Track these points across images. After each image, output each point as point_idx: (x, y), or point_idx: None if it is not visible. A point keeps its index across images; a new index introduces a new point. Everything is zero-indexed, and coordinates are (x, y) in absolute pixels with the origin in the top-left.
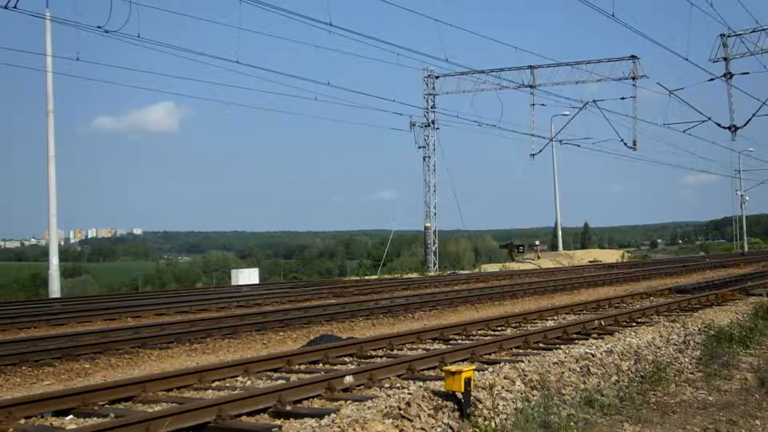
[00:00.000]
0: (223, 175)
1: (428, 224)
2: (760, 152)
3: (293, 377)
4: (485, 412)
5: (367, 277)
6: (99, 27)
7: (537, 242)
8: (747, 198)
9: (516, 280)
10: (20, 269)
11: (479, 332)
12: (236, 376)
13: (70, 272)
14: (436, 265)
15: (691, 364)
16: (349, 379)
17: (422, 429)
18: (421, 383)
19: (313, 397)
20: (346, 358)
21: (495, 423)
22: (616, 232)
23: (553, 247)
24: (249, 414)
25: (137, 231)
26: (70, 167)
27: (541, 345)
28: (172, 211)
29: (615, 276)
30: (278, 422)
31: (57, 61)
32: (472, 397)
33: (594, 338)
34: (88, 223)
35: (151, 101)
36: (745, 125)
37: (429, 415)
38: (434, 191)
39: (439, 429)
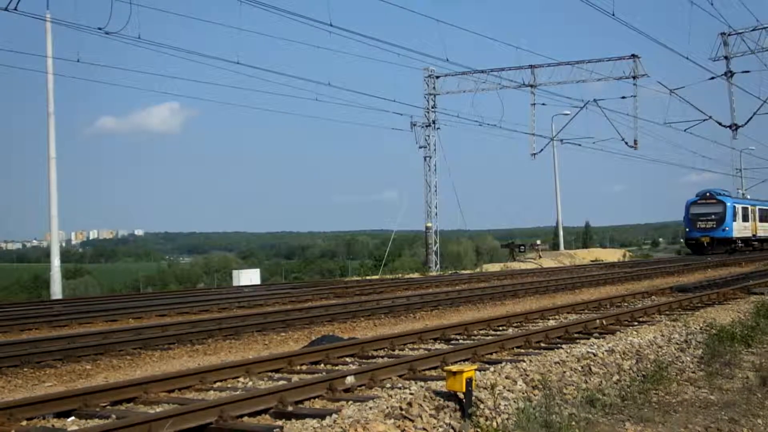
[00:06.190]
0: (224, 175)
1: (429, 224)
2: (761, 151)
3: (295, 378)
4: (487, 412)
5: (368, 278)
6: (99, 28)
7: (538, 242)
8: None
9: (517, 279)
10: (22, 271)
11: (481, 332)
12: (238, 377)
13: (71, 273)
14: (438, 265)
15: (692, 363)
16: (350, 379)
17: (424, 429)
18: (422, 383)
19: (314, 398)
20: (347, 359)
21: (497, 423)
22: (617, 231)
23: (555, 247)
24: (251, 415)
25: (139, 232)
26: (72, 168)
27: (542, 344)
28: (174, 212)
29: (616, 275)
30: (280, 423)
31: (58, 63)
32: (473, 397)
33: (596, 337)
34: (89, 225)
35: (152, 102)
36: (746, 124)
37: (430, 415)
38: (435, 191)
39: (440, 429)
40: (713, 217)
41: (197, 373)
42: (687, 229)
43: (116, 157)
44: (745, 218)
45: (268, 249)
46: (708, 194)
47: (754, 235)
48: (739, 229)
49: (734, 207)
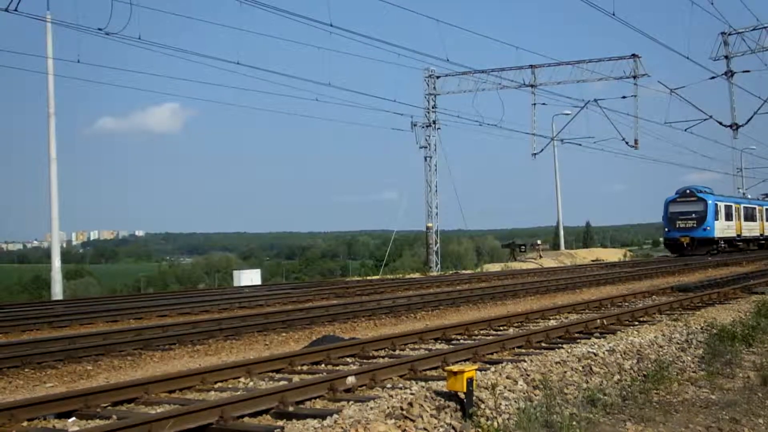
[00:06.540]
0: (224, 176)
1: (430, 224)
2: (761, 150)
3: (295, 378)
4: (488, 412)
5: (369, 278)
6: (100, 29)
7: (539, 241)
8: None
9: (518, 279)
10: (22, 271)
11: (481, 332)
12: (239, 378)
13: (72, 274)
14: (438, 265)
15: (693, 362)
16: (351, 379)
17: (425, 429)
18: (423, 383)
19: (315, 398)
20: (348, 359)
21: (497, 423)
22: (618, 231)
23: (555, 247)
24: (251, 415)
25: (139, 233)
26: (73, 169)
27: (543, 344)
28: (174, 213)
29: (617, 275)
30: (281, 423)
31: (58, 64)
32: (474, 397)
33: (596, 337)
34: (90, 225)
35: (152, 103)
36: (746, 123)
37: (431, 415)
38: (436, 191)
39: (441, 429)
40: (693, 215)
41: (198, 373)
42: (666, 229)
43: (116, 157)
44: (729, 217)
45: (268, 249)
46: (688, 191)
47: (738, 235)
48: (721, 228)
49: (716, 205)
